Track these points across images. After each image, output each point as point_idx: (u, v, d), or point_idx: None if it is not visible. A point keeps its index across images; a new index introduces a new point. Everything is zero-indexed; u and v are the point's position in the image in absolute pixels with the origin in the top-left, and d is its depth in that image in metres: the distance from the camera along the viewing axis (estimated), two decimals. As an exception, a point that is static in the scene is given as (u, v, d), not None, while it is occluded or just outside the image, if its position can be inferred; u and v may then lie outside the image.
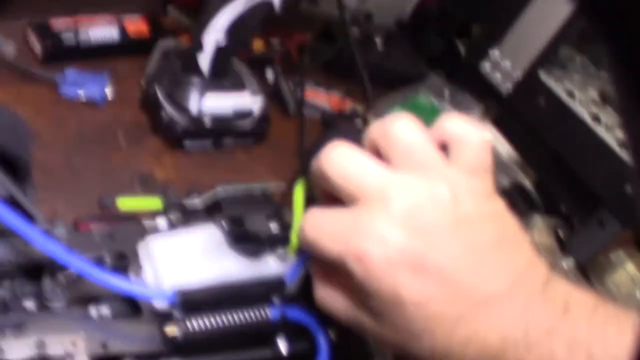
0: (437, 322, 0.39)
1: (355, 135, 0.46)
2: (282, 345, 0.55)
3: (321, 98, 0.89)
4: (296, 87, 0.87)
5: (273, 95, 0.87)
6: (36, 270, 0.50)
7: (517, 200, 1.16)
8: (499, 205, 0.43)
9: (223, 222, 0.50)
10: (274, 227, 0.53)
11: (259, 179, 0.70)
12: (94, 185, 0.64)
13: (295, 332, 0.57)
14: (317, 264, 0.47)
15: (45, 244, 0.43)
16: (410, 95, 0.95)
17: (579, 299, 0.40)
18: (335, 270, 0.43)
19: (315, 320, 0.55)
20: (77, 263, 0.44)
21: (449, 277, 0.39)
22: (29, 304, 0.49)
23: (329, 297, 0.46)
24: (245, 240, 0.51)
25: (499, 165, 1.23)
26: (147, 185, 0.66)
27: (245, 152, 0.79)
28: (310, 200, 0.53)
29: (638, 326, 0.37)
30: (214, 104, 0.77)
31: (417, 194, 0.40)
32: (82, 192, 0.62)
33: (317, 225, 0.44)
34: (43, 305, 0.48)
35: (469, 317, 0.39)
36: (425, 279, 0.38)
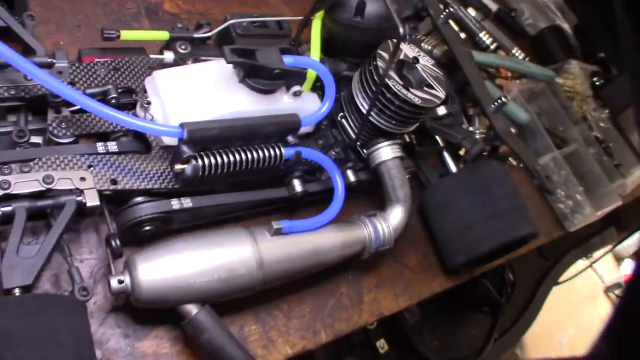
0: None
1: None
2: (298, 186, 0.53)
3: None
4: None
5: None
6: (42, 106, 0.48)
7: (554, 44, 1.09)
8: None
9: (229, 54, 0.46)
10: (288, 61, 0.49)
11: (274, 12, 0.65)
12: (98, 17, 0.59)
13: (309, 173, 0.56)
14: None
15: (44, 77, 0.41)
16: None
17: None
18: None
19: (330, 159, 0.53)
20: (79, 97, 0.42)
21: None
22: (36, 140, 0.48)
23: None
24: (256, 74, 0.47)
25: (538, 7, 1.14)
26: (155, 17, 0.62)
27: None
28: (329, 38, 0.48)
29: None
30: None
31: None
32: (86, 24, 0.58)
33: None
34: (50, 140, 0.46)
35: None
36: None
